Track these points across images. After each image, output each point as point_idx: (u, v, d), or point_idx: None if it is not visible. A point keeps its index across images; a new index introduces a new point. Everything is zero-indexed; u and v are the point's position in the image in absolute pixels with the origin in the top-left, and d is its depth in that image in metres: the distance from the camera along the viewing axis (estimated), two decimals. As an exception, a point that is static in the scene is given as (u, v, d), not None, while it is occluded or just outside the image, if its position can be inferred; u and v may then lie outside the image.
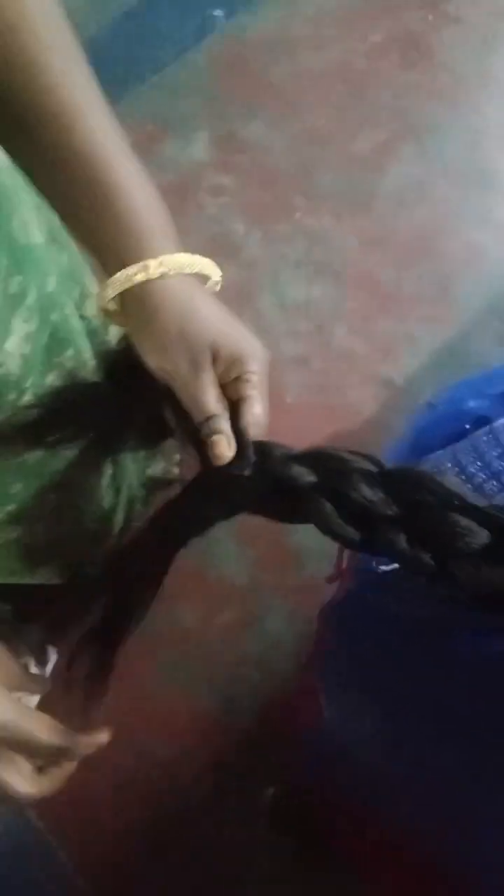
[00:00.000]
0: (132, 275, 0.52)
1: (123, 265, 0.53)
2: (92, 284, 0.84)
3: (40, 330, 0.66)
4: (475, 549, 0.40)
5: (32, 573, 0.94)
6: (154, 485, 1.19)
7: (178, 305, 0.53)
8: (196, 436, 0.53)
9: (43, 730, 0.53)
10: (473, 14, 1.63)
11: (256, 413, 0.54)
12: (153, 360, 0.54)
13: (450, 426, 0.63)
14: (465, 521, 0.40)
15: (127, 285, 0.53)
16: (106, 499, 1.00)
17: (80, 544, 1.05)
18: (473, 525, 0.40)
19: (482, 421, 0.59)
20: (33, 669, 1.20)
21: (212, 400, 0.53)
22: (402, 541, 0.42)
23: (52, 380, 0.72)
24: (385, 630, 0.52)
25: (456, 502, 0.42)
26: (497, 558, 0.39)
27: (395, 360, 1.38)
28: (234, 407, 0.54)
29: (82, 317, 0.79)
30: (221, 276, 0.58)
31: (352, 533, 0.45)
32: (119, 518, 1.17)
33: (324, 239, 1.48)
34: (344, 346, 1.40)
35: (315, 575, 1.22)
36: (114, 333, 0.91)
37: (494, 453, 0.51)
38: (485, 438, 0.53)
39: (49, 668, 1.21)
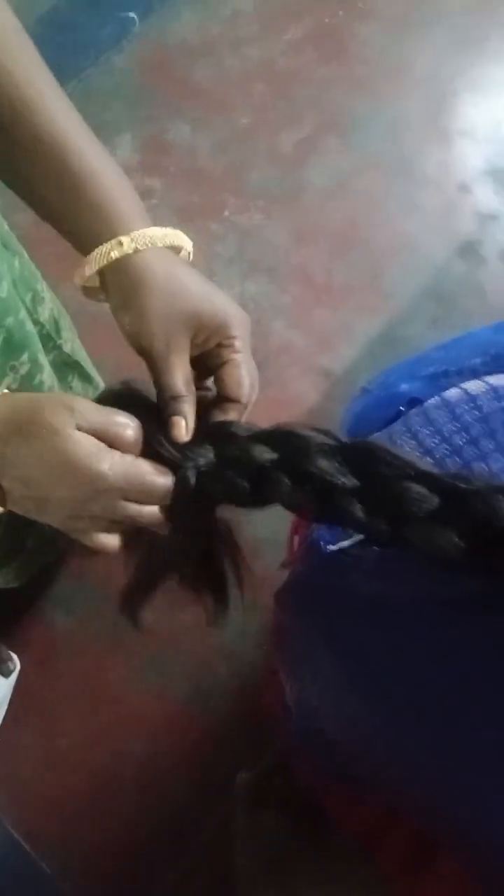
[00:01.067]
0: (108, 251, 0.53)
1: (99, 244, 0.54)
2: (44, 289, 0.85)
3: None
4: (427, 513, 0.42)
5: None
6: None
7: (157, 279, 0.53)
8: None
9: (156, 472, 0.51)
10: (383, 7, 1.67)
11: (239, 374, 0.55)
12: (131, 336, 0.55)
13: (385, 409, 0.66)
14: (417, 488, 0.42)
15: (104, 262, 0.54)
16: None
17: (41, 545, 1.06)
18: (425, 491, 0.42)
19: (414, 402, 0.62)
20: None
21: (180, 381, 0.53)
22: (358, 510, 0.44)
23: (7, 383, 0.73)
24: (335, 607, 0.55)
25: (408, 471, 0.44)
26: (447, 521, 0.41)
27: (332, 351, 1.42)
28: (218, 372, 0.55)
29: (36, 321, 0.81)
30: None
31: (311, 504, 0.46)
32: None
33: (255, 235, 1.50)
34: (283, 340, 1.43)
35: (272, 564, 1.25)
36: (66, 337, 0.92)
37: (427, 431, 0.54)
38: (418, 418, 0.56)
39: (13, 678, 1.22)
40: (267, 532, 1.30)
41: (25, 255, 0.81)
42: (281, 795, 0.92)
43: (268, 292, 1.46)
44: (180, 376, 0.54)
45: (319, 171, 1.54)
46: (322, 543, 0.58)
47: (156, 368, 0.54)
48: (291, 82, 1.62)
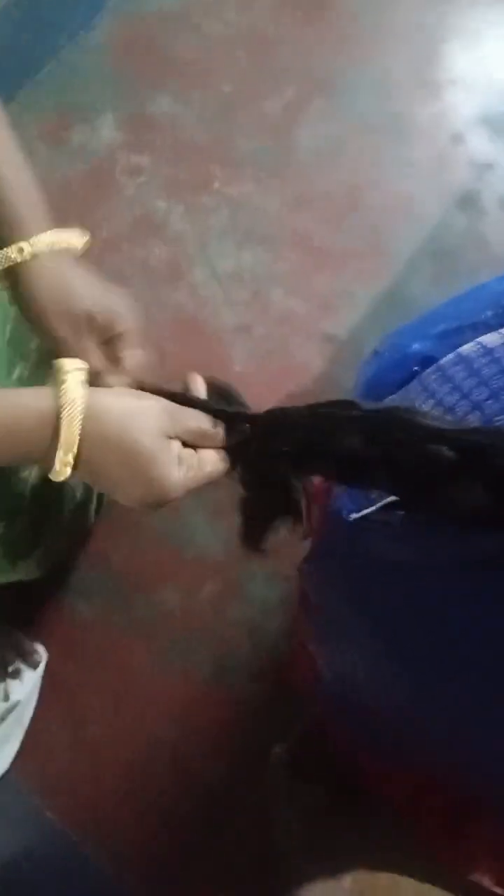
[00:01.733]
0: (10, 256, 0.59)
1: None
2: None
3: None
4: (449, 472, 0.42)
5: (13, 568, 0.95)
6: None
7: (52, 281, 0.59)
8: None
9: (216, 465, 0.57)
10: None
11: (135, 356, 0.61)
12: (40, 332, 0.60)
13: (398, 371, 0.64)
14: (437, 449, 0.43)
15: (5, 264, 0.59)
16: (78, 490, 1.01)
17: (59, 536, 1.06)
18: (446, 451, 0.43)
19: (428, 361, 0.60)
20: (25, 671, 1.20)
21: (94, 358, 0.59)
22: (384, 477, 0.46)
23: (18, 373, 0.74)
24: (362, 575, 0.54)
25: (428, 432, 0.44)
26: (470, 477, 0.42)
27: (335, 316, 1.39)
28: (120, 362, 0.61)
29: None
30: (88, 239, 0.64)
31: (341, 475, 0.50)
32: (92, 509, 1.18)
33: (247, 205, 1.48)
34: (283, 309, 1.41)
35: (288, 535, 1.24)
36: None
37: (445, 389, 0.52)
38: (434, 377, 0.55)
39: (40, 668, 1.22)
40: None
41: None
42: (316, 765, 0.92)
43: (264, 261, 1.44)
44: (94, 354, 0.60)
45: (308, 135, 1.51)
46: (345, 512, 0.57)
47: (68, 352, 0.59)
48: (274, 46, 1.58)
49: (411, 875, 0.73)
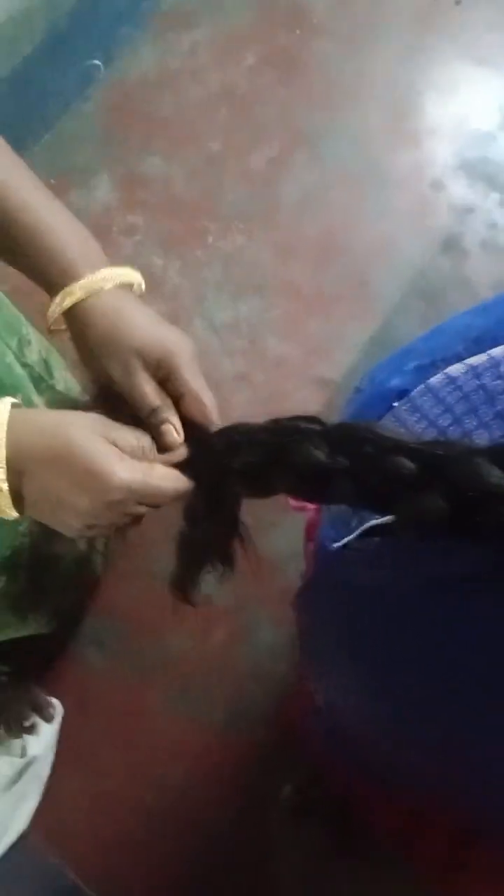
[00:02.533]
0: (60, 302, 0.59)
1: (56, 292, 0.59)
2: (30, 333, 0.87)
3: None
4: (409, 481, 0.44)
5: (24, 623, 0.96)
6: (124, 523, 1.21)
7: (104, 320, 0.58)
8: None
9: (169, 480, 0.56)
10: (337, 23, 1.70)
11: (199, 402, 0.59)
12: (92, 370, 0.60)
13: (378, 407, 0.67)
14: (398, 460, 0.45)
15: (59, 311, 0.59)
16: (80, 541, 1.02)
17: (66, 589, 1.07)
18: (406, 461, 0.45)
19: (405, 395, 0.63)
20: (41, 726, 1.21)
21: (150, 393, 0.58)
22: (349, 488, 0.47)
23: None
24: (342, 601, 0.56)
25: (389, 444, 0.46)
26: (430, 487, 0.43)
27: (328, 360, 1.43)
28: (178, 403, 0.59)
29: (24, 364, 0.83)
30: (143, 280, 0.64)
31: (307, 489, 0.51)
32: (97, 559, 1.19)
33: (239, 257, 1.52)
34: (278, 355, 1.44)
35: (294, 578, 1.25)
36: (59, 377, 0.94)
37: (414, 418, 0.55)
38: (405, 408, 0.57)
39: (56, 722, 1.22)
40: (287, 548, 1.31)
41: (6, 302, 0.84)
42: (320, 805, 0.92)
43: (259, 310, 1.48)
44: (148, 389, 0.58)
45: (293, 186, 1.57)
46: (327, 542, 0.59)
47: (125, 392, 0.58)
48: (255, 104, 1.65)
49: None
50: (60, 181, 1.63)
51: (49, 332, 0.63)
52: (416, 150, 1.57)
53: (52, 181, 1.63)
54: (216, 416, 0.59)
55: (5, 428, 0.51)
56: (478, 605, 0.45)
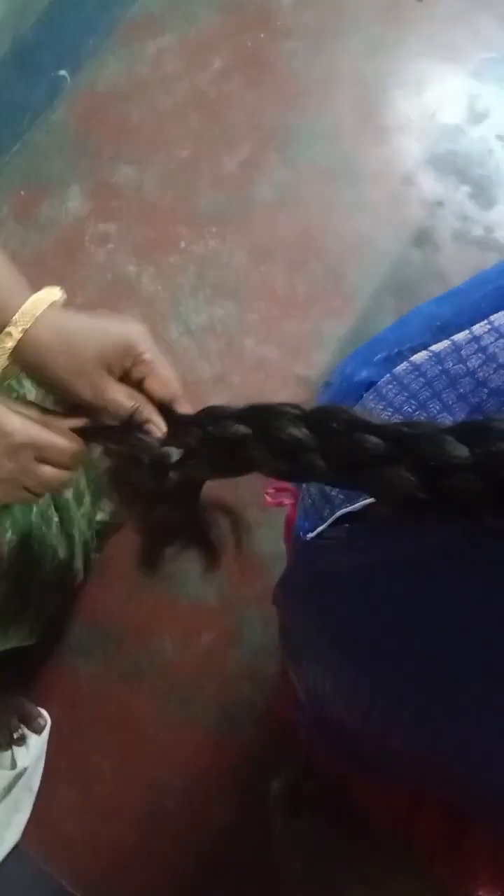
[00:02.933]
0: (4, 344, 0.58)
1: None
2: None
3: None
4: (378, 457, 0.46)
5: (5, 636, 0.96)
6: (104, 529, 1.21)
7: (52, 346, 0.58)
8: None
9: (62, 435, 0.58)
10: (301, 24, 1.71)
11: (162, 376, 0.61)
12: (64, 398, 0.60)
13: (348, 399, 0.67)
14: (367, 437, 0.47)
15: (5, 355, 0.58)
16: (59, 547, 1.02)
17: (48, 597, 1.07)
18: (374, 439, 0.46)
19: (372, 386, 0.63)
20: (30, 737, 1.20)
21: (123, 399, 0.59)
22: (322, 463, 0.49)
23: None
24: (318, 589, 0.56)
25: (359, 424, 0.48)
26: (397, 462, 0.45)
27: (306, 359, 1.43)
28: (145, 386, 0.61)
29: None
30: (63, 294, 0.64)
31: (283, 465, 0.52)
32: (78, 565, 1.19)
33: (213, 261, 1.53)
34: (257, 356, 1.45)
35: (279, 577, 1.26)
36: (29, 388, 0.94)
37: (380, 407, 0.55)
38: (371, 397, 0.58)
39: (45, 733, 1.22)
40: (273, 547, 1.30)
41: None
42: (314, 798, 0.92)
43: (234, 313, 1.48)
44: (122, 395, 0.59)
45: (265, 188, 1.57)
46: (301, 533, 0.59)
47: (99, 408, 0.59)
48: (225, 108, 1.66)
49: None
50: (31, 192, 1.63)
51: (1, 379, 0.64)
52: (386, 146, 1.57)
53: (23, 193, 1.63)
54: (178, 386, 0.62)
55: None
56: (451, 579, 0.46)
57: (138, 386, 0.61)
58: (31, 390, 0.93)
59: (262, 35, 1.71)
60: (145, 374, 0.60)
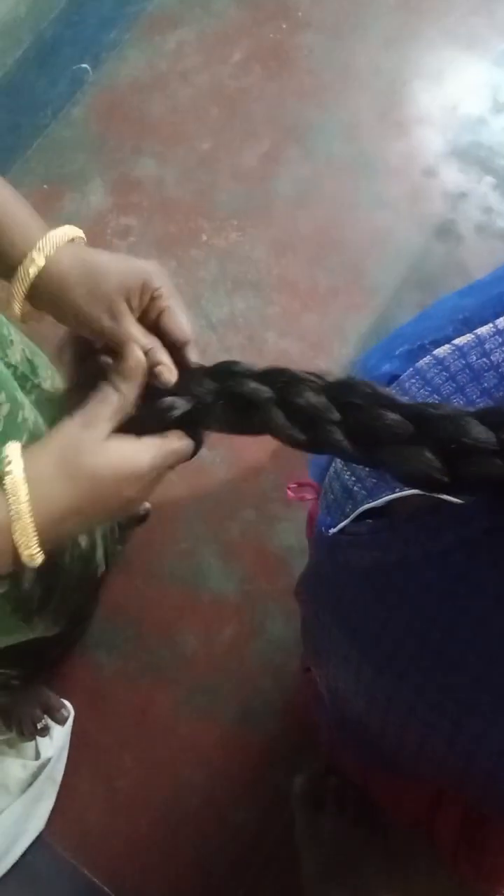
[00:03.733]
0: (28, 269, 0.57)
1: (14, 267, 0.58)
2: (11, 332, 0.87)
3: None
4: (400, 435, 0.45)
5: (30, 627, 0.96)
6: (126, 521, 1.22)
7: (74, 273, 0.57)
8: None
9: (185, 444, 0.58)
10: (321, 15, 1.70)
11: (178, 318, 0.60)
12: (83, 328, 0.59)
13: (370, 392, 0.66)
14: (389, 414, 0.46)
15: (28, 282, 0.57)
16: (80, 537, 1.02)
17: (69, 588, 1.07)
18: (397, 416, 0.46)
19: (395, 380, 0.63)
20: (53, 728, 1.21)
21: (141, 336, 0.58)
22: (341, 436, 0.48)
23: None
24: (340, 586, 0.56)
25: (382, 400, 0.48)
26: (419, 441, 0.44)
27: (327, 353, 1.43)
28: (159, 324, 0.60)
29: (8, 364, 0.83)
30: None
31: (299, 434, 0.51)
32: (100, 556, 1.19)
33: (234, 254, 1.52)
34: (277, 350, 1.44)
35: (299, 572, 1.26)
36: (44, 375, 0.94)
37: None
38: (393, 391, 0.57)
39: (68, 725, 1.23)
40: (294, 542, 1.31)
41: None
42: (336, 795, 0.92)
43: (255, 306, 1.48)
44: (137, 331, 0.58)
45: (285, 181, 1.57)
46: (323, 529, 0.59)
47: (115, 339, 0.58)
48: (244, 101, 1.65)
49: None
50: (53, 187, 1.64)
51: (22, 320, 0.62)
52: (407, 138, 1.56)
53: (46, 187, 1.64)
54: (191, 330, 0.61)
55: (29, 516, 0.51)
56: (473, 576, 0.45)
57: (153, 328, 0.60)
58: (45, 379, 0.94)
59: (282, 26, 1.70)
60: (161, 312, 0.60)
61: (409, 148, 1.55)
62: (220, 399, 0.56)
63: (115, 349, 0.58)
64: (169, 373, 0.58)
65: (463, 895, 0.71)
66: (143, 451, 0.54)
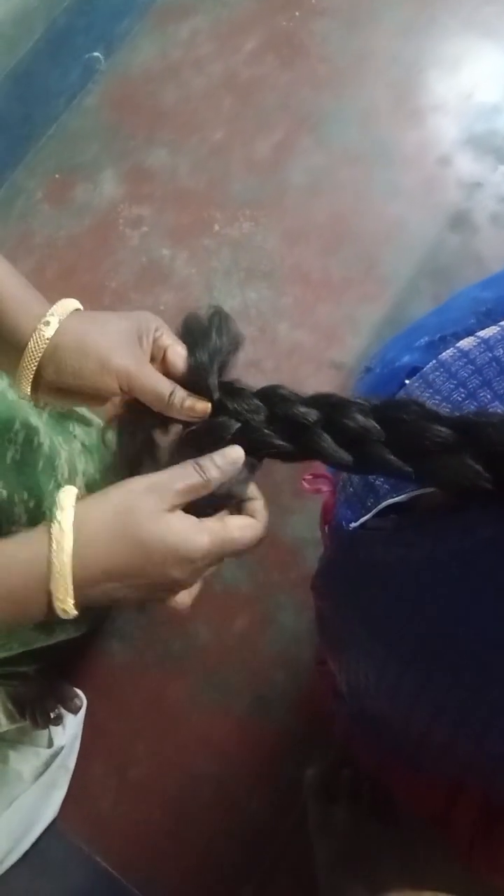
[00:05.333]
0: (42, 331, 0.56)
1: (24, 335, 0.57)
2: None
3: None
4: (445, 446, 0.46)
5: (51, 637, 0.96)
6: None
7: (86, 325, 0.58)
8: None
9: (247, 529, 0.57)
10: (335, 3, 1.68)
11: (178, 348, 0.61)
12: (103, 375, 0.57)
13: (389, 385, 0.66)
14: (434, 427, 0.47)
15: (43, 344, 0.56)
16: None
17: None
18: (442, 428, 0.46)
19: (415, 372, 0.62)
20: (66, 717, 1.22)
21: (162, 379, 0.58)
22: (389, 455, 0.49)
23: (11, 455, 0.76)
24: (361, 581, 0.56)
25: (426, 414, 0.48)
26: (464, 451, 0.45)
27: (340, 344, 1.42)
28: (165, 359, 0.61)
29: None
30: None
31: (347, 456, 0.52)
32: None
33: (247, 244, 1.52)
34: (290, 341, 1.44)
35: (315, 563, 1.25)
36: (81, 432, 0.95)
37: (427, 394, 0.55)
38: (416, 384, 0.57)
39: (81, 714, 1.23)
40: (307, 533, 1.31)
41: None
42: (350, 787, 0.92)
43: (268, 297, 1.48)
44: (160, 375, 0.59)
45: (299, 171, 1.56)
46: (344, 523, 0.59)
47: (140, 384, 0.58)
48: (257, 90, 1.64)
49: (454, 891, 0.72)
50: (65, 177, 1.63)
51: (34, 399, 0.62)
52: (422, 127, 1.55)
53: (58, 176, 1.64)
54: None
55: (69, 570, 0.49)
56: (500, 574, 0.45)
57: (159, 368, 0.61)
58: (87, 435, 0.94)
59: (295, 14, 1.69)
60: (165, 350, 0.60)
61: (423, 137, 1.54)
62: (267, 422, 0.56)
63: (139, 395, 0.58)
64: (202, 402, 0.59)
65: (477, 888, 0.71)
66: (202, 534, 0.53)
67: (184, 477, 0.53)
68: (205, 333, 0.61)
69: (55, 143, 1.68)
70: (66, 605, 0.50)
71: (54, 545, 0.49)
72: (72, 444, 0.92)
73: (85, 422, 1.02)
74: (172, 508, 0.52)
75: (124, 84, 1.70)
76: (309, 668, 1.23)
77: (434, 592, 0.48)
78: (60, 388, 0.58)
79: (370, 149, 1.55)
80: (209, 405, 0.59)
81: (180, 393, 0.58)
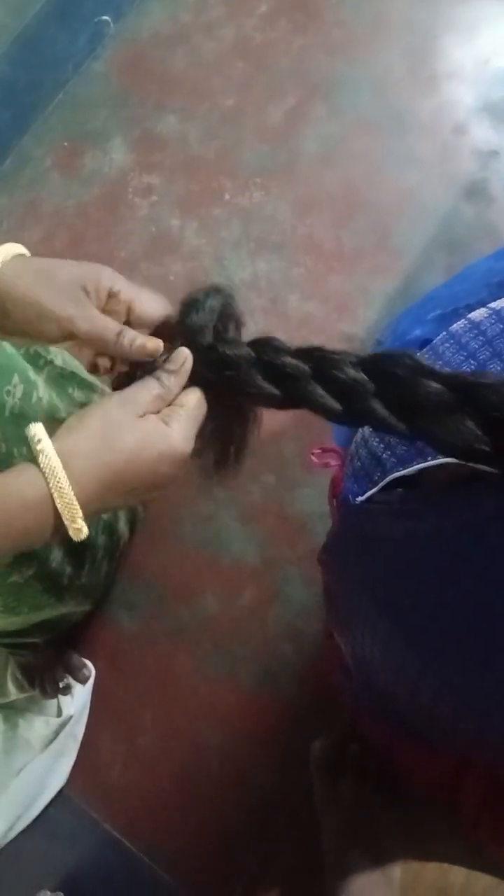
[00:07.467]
0: None
1: None
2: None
3: None
4: (441, 404, 0.45)
5: (61, 602, 0.96)
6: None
7: (29, 270, 0.58)
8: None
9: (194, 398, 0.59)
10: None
11: (145, 299, 0.61)
12: (45, 325, 0.58)
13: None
14: (430, 383, 0.46)
15: None
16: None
17: (97, 560, 1.07)
18: (438, 385, 0.46)
19: (427, 344, 0.61)
20: (75, 687, 1.23)
21: (109, 320, 0.59)
22: (379, 406, 0.49)
23: (10, 407, 0.75)
24: (368, 554, 0.55)
25: (422, 370, 0.48)
26: (461, 410, 0.44)
27: (352, 316, 1.40)
28: (130, 316, 0.61)
29: (16, 346, 0.83)
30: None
31: (335, 405, 0.52)
32: (123, 527, 1.19)
33: (258, 214, 1.50)
34: (301, 313, 1.42)
35: (322, 536, 1.25)
36: (55, 353, 0.93)
37: (437, 366, 0.53)
38: (427, 356, 0.56)
39: (90, 684, 1.24)
40: (315, 507, 1.30)
41: None
42: (357, 760, 0.92)
43: (279, 268, 1.46)
44: (103, 317, 0.59)
45: (311, 139, 1.53)
46: (350, 497, 0.58)
47: (85, 329, 0.58)
48: (270, 56, 1.61)
49: (459, 863, 0.73)
50: (74, 144, 1.61)
51: None
52: (437, 94, 1.52)
53: (66, 144, 1.61)
54: (167, 305, 0.62)
55: (70, 489, 0.51)
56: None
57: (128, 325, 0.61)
58: (56, 355, 0.93)
59: (309, -23, 1.65)
60: (129, 305, 0.60)
61: (438, 104, 1.51)
62: (254, 369, 0.57)
63: (85, 339, 0.58)
64: (152, 340, 0.59)
65: (482, 861, 0.71)
66: (172, 423, 0.56)
67: (149, 388, 0.57)
68: (196, 299, 0.61)
69: (63, 110, 1.65)
70: (77, 523, 0.52)
71: (48, 473, 0.51)
72: (71, 405, 0.92)
73: (87, 386, 1.01)
74: (144, 416, 0.56)
75: (134, 49, 1.67)
76: (316, 642, 1.23)
77: (440, 565, 0.48)
78: (8, 330, 0.59)
79: (384, 117, 1.52)
80: (161, 343, 0.60)
81: (130, 333, 0.59)
